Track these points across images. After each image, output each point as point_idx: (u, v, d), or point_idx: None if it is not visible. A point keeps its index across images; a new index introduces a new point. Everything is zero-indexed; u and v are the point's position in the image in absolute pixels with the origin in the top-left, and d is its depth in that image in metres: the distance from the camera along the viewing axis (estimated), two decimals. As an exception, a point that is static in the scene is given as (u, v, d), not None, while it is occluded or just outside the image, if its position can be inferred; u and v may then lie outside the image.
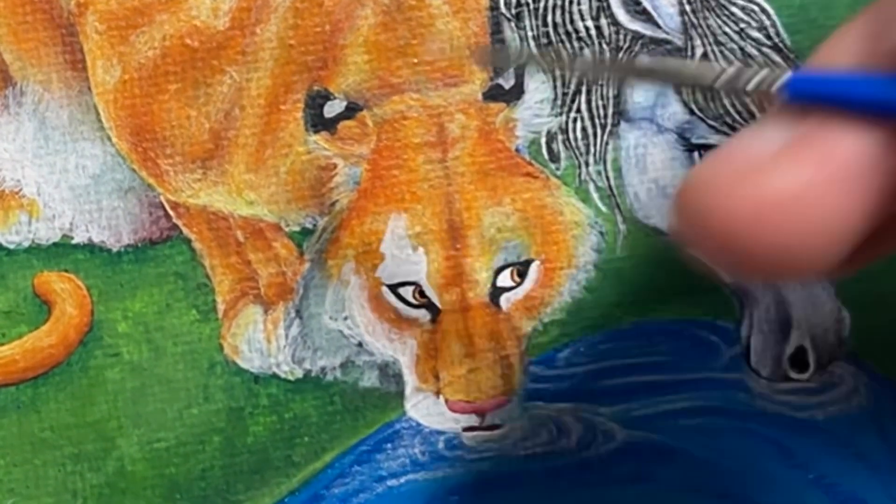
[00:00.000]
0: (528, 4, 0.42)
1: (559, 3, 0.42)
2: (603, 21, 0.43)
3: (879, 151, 0.30)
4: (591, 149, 0.43)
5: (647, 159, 0.43)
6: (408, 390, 0.43)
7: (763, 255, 0.30)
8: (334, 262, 0.42)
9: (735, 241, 0.30)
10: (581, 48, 0.43)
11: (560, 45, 0.43)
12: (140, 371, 0.42)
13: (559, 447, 0.43)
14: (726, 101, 0.43)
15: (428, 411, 0.43)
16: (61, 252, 0.42)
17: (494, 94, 0.42)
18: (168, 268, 0.42)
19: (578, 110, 0.43)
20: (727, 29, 0.43)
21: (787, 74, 0.31)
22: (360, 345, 0.42)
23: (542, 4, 0.42)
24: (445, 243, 0.42)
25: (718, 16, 0.43)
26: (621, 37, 0.43)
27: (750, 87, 0.31)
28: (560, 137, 0.43)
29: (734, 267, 0.31)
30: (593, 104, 0.43)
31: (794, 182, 0.30)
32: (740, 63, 0.34)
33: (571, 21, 0.42)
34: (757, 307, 0.43)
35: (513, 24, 0.43)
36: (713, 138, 0.43)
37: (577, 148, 0.43)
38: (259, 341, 0.42)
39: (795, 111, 0.31)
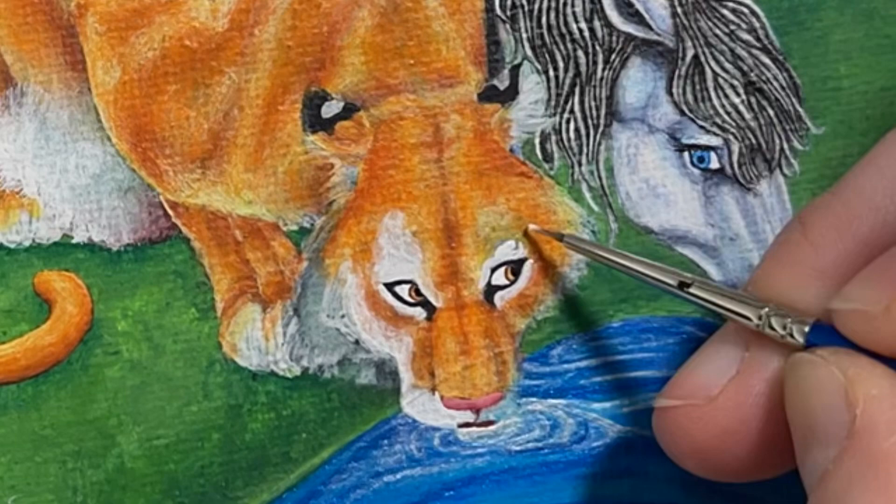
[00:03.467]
0: (522, 6, 0.43)
1: (553, 4, 0.43)
2: (596, 23, 0.43)
3: None
4: (584, 149, 0.43)
5: (638, 159, 0.44)
6: (404, 387, 0.43)
7: (723, 472, 0.37)
8: (332, 261, 0.43)
9: (697, 464, 0.38)
10: (575, 49, 0.43)
11: (554, 46, 0.43)
12: (140, 369, 0.42)
13: (552, 442, 0.43)
14: (715, 102, 0.43)
15: (424, 408, 0.43)
16: (61, 251, 0.42)
17: (489, 94, 0.43)
18: (167, 267, 0.42)
19: (572, 111, 0.43)
20: (717, 31, 0.43)
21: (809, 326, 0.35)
22: (356, 342, 0.43)
23: (536, 6, 0.43)
24: (441, 242, 0.42)
25: (709, 18, 0.43)
26: (614, 38, 0.43)
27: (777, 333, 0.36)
28: (553, 138, 0.43)
29: (710, 476, 0.38)
30: (586, 105, 0.43)
31: (732, 417, 0.36)
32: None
33: (565, 23, 0.43)
34: None
35: (507, 26, 0.43)
36: (703, 138, 0.43)
37: (570, 148, 0.43)
38: (257, 339, 0.43)
39: (742, 331, 0.37)
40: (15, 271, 0.42)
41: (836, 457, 0.31)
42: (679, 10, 0.43)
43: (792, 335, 0.36)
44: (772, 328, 0.36)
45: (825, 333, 0.35)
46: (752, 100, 0.43)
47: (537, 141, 0.43)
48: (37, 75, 0.42)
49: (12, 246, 0.42)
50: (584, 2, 0.43)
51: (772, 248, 0.39)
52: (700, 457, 0.37)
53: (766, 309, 0.36)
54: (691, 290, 0.39)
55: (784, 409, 0.35)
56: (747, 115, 0.43)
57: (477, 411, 0.43)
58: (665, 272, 0.40)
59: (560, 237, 0.42)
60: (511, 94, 0.43)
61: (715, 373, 0.37)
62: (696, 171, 0.44)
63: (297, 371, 0.43)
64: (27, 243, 0.42)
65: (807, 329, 0.35)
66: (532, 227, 0.43)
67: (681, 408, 0.38)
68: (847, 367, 0.32)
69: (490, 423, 0.43)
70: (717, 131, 0.43)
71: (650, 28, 0.43)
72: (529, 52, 0.43)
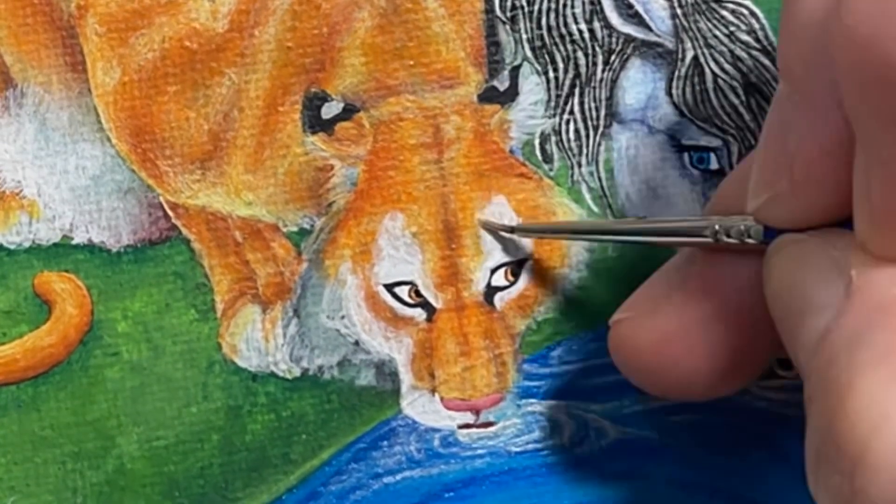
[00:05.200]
0: (522, 7, 0.43)
1: (553, 6, 0.43)
2: (596, 24, 0.43)
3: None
4: (584, 150, 0.43)
5: (638, 160, 0.44)
6: (404, 388, 0.43)
7: (670, 384, 0.38)
8: (331, 262, 0.43)
9: (643, 376, 0.39)
10: (574, 51, 0.43)
11: (554, 47, 0.43)
12: (139, 370, 0.42)
13: (552, 444, 0.43)
14: (716, 104, 0.43)
15: (423, 409, 0.43)
16: (61, 252, 0.42)
17: (489, 95, 0.43)
18: (167, 268, 0.42)
19: (571, 112, 0.43)
20: (717, 32, 0.43)
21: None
22: (356, 343, 0.43)
23: (536, 7, 0.43)
24: (441, 243, 0.43)
25: (709, 19, 0.43)
26: (614, 40, 0.43)
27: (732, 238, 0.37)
28: (553, 139, 0.43)
29: (659, 392, 0.39)
30: (586, 106, 0.43)
31: (675, 324, 0.37)
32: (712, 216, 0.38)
33: (565, 24, 0.43)
34: None
35: (507, 27, 0.43)
36: (703, 139, 0.43)
37: (570, 149, 0.43)
38: (257, 340, 0.43)
39: (692, 251, 0.38)
40: (15, 272, 0.42)
41: (836, 315, 0.31)
42: (678, 11, 0.43)
43: (749, 236, 0.36)
44: (728, 236, 0.36)
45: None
46: (752, 101, 0.43)
47: (537, 142, 0.43)
48: (37, 76, 0.42)
49: (12, 247, 0.42)
50: (583, 3, 0.43)
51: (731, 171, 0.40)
52: (645, 367, 0.38)
53: (717, 223, 0.37)
54: (641, 228, 0.40)
55: (731, 317, 0.36)
56: (747, 117, 0.43)
57: (477, 412, 0.43)
58: (614, 224, 0.42)
59: (511, 230, 0.43)
60: (511, 95, 0.43)
61: (662, 287, 0.38)
62: (696, 172, 0.44)
63: (296, 372, 0.43)
64: (27, 244, 0.42)
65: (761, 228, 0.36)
66: (482, 219, 0.43)
67: (627, 319, 0.39)
68: (836, 241, 0.33)
69: (490, 424, 0.43)
70: (717, 132, 0.43)
71: (650, 29, 0.43)
72: (529, 54, 0.43)
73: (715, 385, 0.38)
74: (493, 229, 0.43)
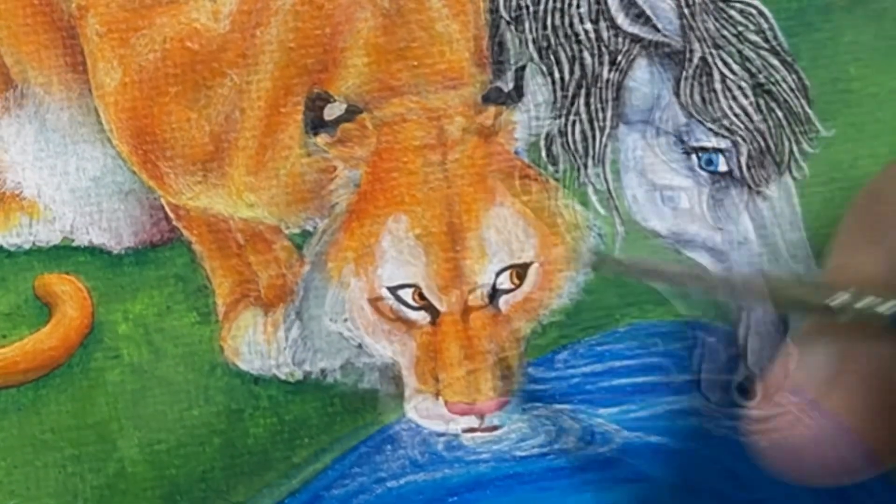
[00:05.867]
0: (527, 7, 0.43)
1: (558, 6, 0.43)
2: (602, 24, 0.43)
3: None
4: (590, 151, 0.43)
5: (645, 162, 0.43)
6: (407, 392, 0.43)
7: (834, 476, 0.34)
8: (334, 265, 0.42)
9: (789, 472, 0.35)
10: (580, 51, 0.43)
11: (559, 48, 0.43)
12: (140, 373, 0.42)
13: (557, 448, 0.43)
14: (724, 104, 0.43)
15: (427, 413, 0.43)
16: (62, 254, 0.42)
17: (494, 96, 0.43)
18: (168, 270, 0.42)
19: (577, 113, 0.43)
20: (725, 32, 0.43)
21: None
22: (359, 347, 0.43)
23: (541, 7, 0.43)
24: (445, 245, 0.42)
25: (717, 19, 0.43)
26: (620, 40, 0.43)
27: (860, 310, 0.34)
28: (559, 140, 0.43)
29: (807, 482, 0.35)
30: (592, 107, 0.43)
31: (831, 424, 0.34)
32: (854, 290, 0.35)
33: (571, 24, 0.43)
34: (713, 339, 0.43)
35: (512, 28, 0.43)
36: (711, 141, 0.43)
37: (576, 150, 0.43)
38: (259, 343, 0.42)
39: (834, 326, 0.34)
40: (15, 274, 0.42)
41: None
42: (686, 11, 0.43)
43: (876, 312, 0.34)
44: (856, 311, 0.34)
45: None
46: (761, 102, 0.43)
47: (542, 143, 0.43)
48: (37, 77, 0.42)
49: (13, 249, 0.42)
50: (589, 3, 0.43)
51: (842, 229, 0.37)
52: (810, 466, 0.34)
53: (844, 296, 0.34)
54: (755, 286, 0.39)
55: (888, 396, 0.33)
56: (756, 118, 0.43)
57: (481, 416, 0.43)
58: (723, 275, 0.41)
59: (594, 266, 0.42)
60: (516, 95, 0.43)
61: (810, 373, 0.34)
62: (704, 174, 0.43)
63: (299, 375, 0.43)
64: (27, 246, 0.42)
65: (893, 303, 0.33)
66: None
67: (781, 415, 0.35)
68: None
69: (494, 428, 0.43)
70: (726, 133, 0.43)
71: (656, 29, 0.43)
72: (534, 54, 0.43)
73: (874, 468, 0.34)
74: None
